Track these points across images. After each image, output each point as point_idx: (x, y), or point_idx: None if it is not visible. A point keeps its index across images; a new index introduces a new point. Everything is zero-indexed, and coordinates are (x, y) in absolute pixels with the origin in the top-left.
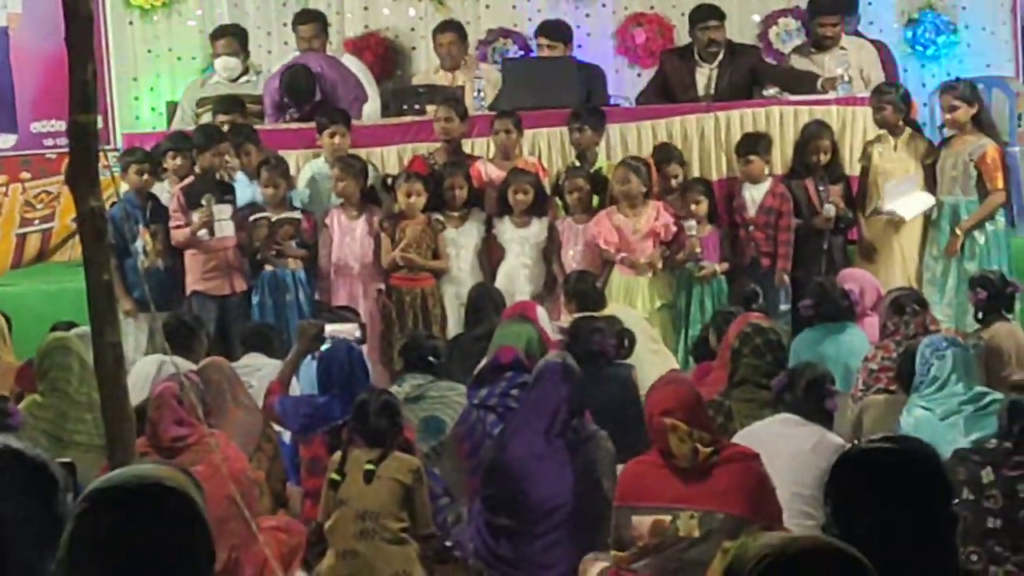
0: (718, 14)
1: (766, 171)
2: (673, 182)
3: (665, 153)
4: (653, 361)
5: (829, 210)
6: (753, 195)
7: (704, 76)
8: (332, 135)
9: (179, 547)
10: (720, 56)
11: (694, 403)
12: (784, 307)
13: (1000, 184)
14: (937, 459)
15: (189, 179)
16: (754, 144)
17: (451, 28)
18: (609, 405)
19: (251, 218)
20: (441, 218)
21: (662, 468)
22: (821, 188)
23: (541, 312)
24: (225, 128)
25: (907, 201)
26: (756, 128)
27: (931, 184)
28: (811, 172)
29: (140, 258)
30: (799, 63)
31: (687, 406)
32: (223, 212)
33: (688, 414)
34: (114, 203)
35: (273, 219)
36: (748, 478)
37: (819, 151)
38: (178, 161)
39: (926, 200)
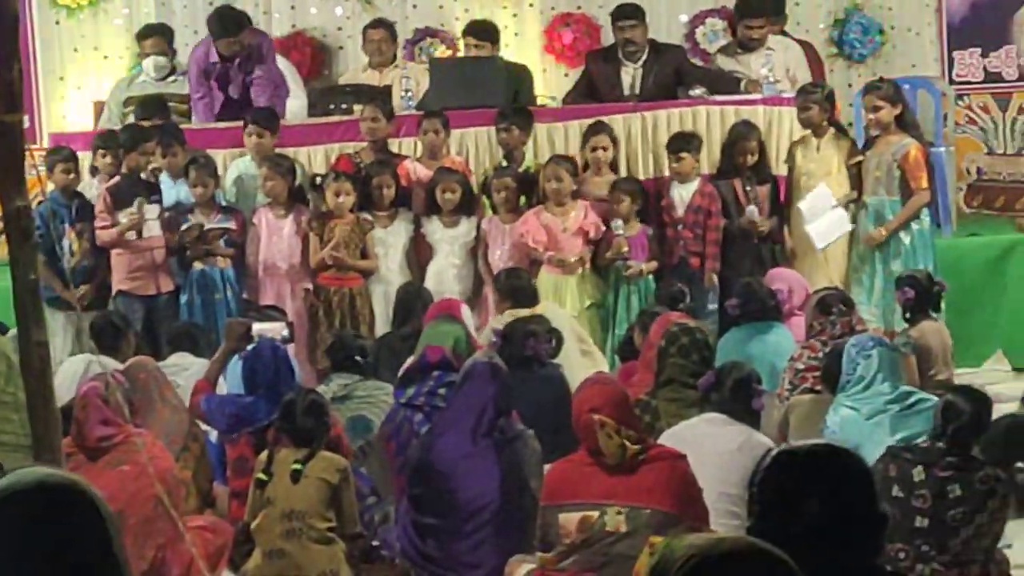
0: (636, 14)
1: (695, 170)
2: (601, 154)
3: (596, 126)
4: (582, 362)
5: (752, 212)
6: (682, 194)
7: (629, 75)
8: (253, 135)
9: (93, 547)
10: (644, 56)
11: (621, 401)
12: (712, 306)
13: (924, 184)
14: (864, 462)
15: (116, 179)
16: (686, 142)
17: (382, 25)
18: (542, 407)
19: (184, 227)
20: (370, 217)
21: (589, 466)
22: (748, 188)
23: (466, 311)
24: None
25: (823, 225)
26: (683, 128)
27: (856, 184)
28: (739, 172)
29: (66, 257)
30: (725, 63)
31: (614, 404)
32: (151, 212)
33: (616, 411)
34: (40, 202)
35: (205, 227)
36: (675, 477)
37: (746, 152)
38: (108, 159)
39: (843, 223)
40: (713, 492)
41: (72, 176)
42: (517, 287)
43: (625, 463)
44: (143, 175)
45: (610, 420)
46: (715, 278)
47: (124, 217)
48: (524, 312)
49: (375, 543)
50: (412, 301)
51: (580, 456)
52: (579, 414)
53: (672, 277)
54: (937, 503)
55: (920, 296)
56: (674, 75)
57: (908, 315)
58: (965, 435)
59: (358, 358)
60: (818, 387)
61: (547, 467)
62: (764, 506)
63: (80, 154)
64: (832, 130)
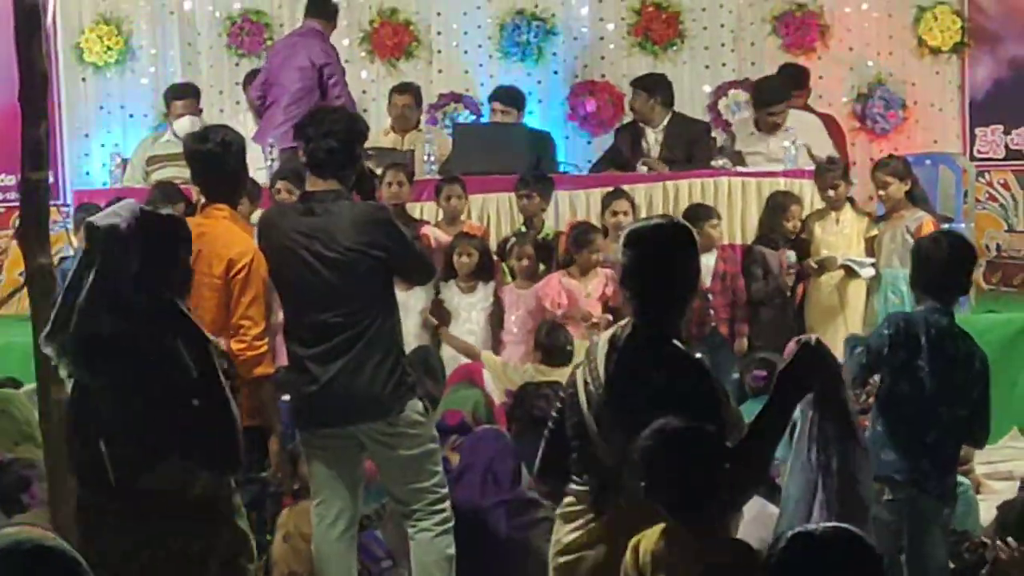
0: (641, 83)
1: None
2: (622, 219)
3: (616, 191)
4: None
5: (791, 256)
6: (707, 262)
7: (650, 138)
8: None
9: None
10: (665, 122)
11: None
12: (735, 375)
13: None
14: (874, 547)
15: None
16: (707, 213)
17: (409, 90)
18: None
19: None
20: None
21: None
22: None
23: (487, 375)
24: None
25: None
26: (704, 198)
27: (872, 256)
28: (778, 244)
29: None
30: (744, 138)
31: None
32: None
33: None
34: (63, 259)
35: None
36: None
37: (792, 218)
38: None
39: (869, 262)
40: None
41: None
42: (554, 345)
43: None
44: None
45: None
46: (745, 343)
47: None
48: (551, 371)
49: None
50: (421, 366)
51: None
52: None
53: (699, 345)
54: None
55: None
56: (689, 147)
57: None
58: None
59: None
60: None
61: None
62: None
63: None
64: (848, 204)
